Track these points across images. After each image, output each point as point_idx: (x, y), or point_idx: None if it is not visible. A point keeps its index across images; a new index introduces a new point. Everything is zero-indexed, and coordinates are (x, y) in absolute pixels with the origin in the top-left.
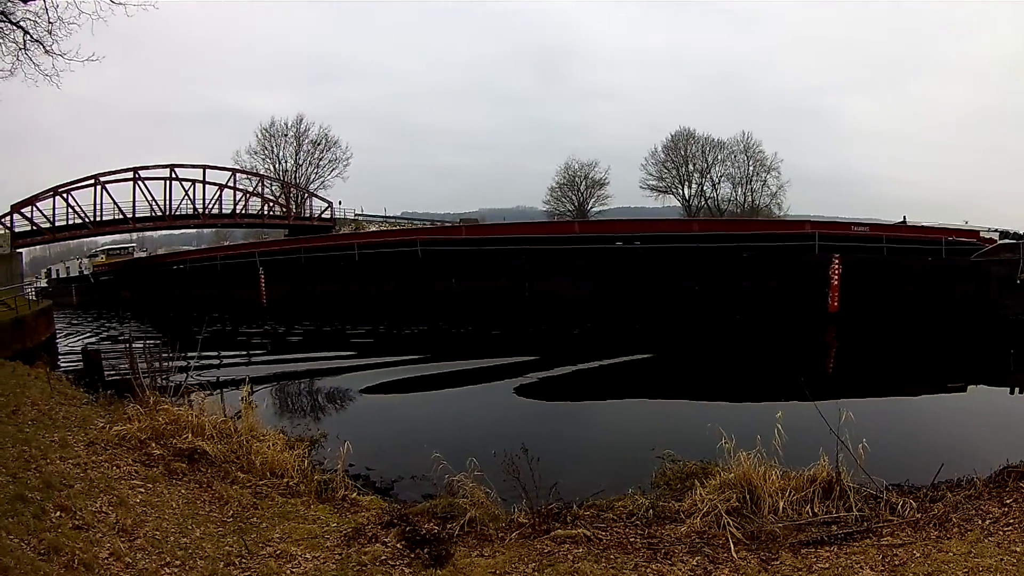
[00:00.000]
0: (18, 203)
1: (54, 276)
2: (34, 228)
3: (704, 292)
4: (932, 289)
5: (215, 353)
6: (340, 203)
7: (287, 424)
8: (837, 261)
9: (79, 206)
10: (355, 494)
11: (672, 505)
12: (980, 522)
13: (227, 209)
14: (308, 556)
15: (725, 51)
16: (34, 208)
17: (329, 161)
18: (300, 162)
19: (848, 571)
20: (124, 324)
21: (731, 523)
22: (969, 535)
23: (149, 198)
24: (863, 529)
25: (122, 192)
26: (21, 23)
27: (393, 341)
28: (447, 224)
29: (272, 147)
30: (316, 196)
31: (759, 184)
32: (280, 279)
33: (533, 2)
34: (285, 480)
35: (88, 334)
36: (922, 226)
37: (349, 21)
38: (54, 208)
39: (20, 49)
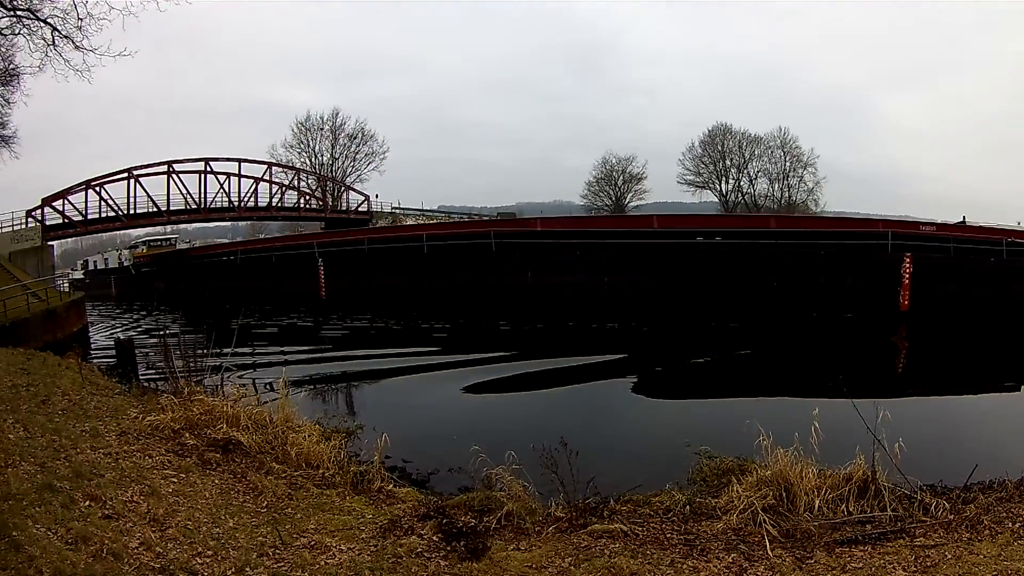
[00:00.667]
0: (49, 196)
1: (91, 267)
2: (66, 221)
3: (782, 288)
4: (995, 289)
5: (249, 349)
6: (377, 196)
7: (344, 419)
8: (908, 260)
9: (112, 199)
10: (391, 486)
11: (709, 501)
12: (1011, 525)
13: (262, 202)
14: (343, 547)
15: (760, 47)
16: (65, 201)
17: (366, 155)
18: (336, 156)
19: (881, 571)
20: (163, 316)
21: (767, 520)
22: (1000, 537)
23: (184, 191)
24: (897, 529)
25: (155, 186)
26: (49, 19)
27: (473, 336)
28: (485, 218)
29: (308, 141)
30: (353, 189)
31: (795, 180)
32: (341, 271)
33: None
34: (321, 471)
35: (128, 326)
36: (982, 226)
37: (383, 16)
38: (86, 201)
39: (49, 45)
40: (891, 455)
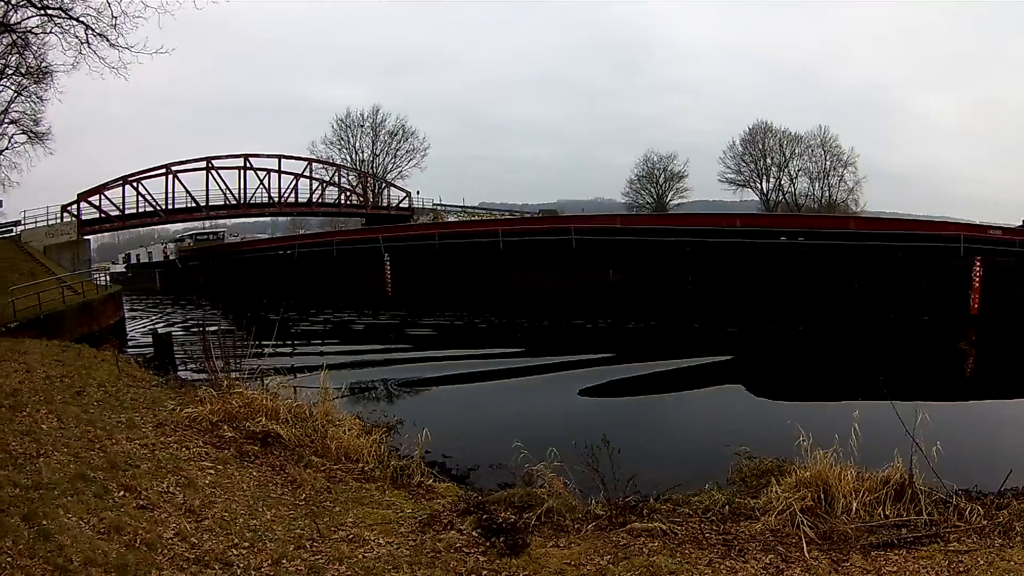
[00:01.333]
0: (85, 192)
1: (133, 261)
2: (102, 216)
3: (862, 290)
4: None
5: (288, 346)
6: (418, 192)
7: (396, 416)
8: (978, 263)
9: (150, 194)
10: (431, 481)
11: (748, 502)
12: None
13: (303, 198)
14: (381, 541)
15: (800, 43)
16: (102, 196)
17: (407, 151)
18: (377, 152)
19: None
20: (207, 310)
21: (805, 522)
22: None
23: (223, 187)
24: (931, 534)
25: (194, 182)
26: (81, 18)
27: (562, 336)
28: (527, 215)
29: (348, 137)
30: (394, 186)
31: (836, 179)
32: (408, 268)
33: None
34: (360, 465)
35: (170, 320)
36: None
37: (423, 13)
38: (123, 196)
39: (83, 43)
40: (928, 458)
